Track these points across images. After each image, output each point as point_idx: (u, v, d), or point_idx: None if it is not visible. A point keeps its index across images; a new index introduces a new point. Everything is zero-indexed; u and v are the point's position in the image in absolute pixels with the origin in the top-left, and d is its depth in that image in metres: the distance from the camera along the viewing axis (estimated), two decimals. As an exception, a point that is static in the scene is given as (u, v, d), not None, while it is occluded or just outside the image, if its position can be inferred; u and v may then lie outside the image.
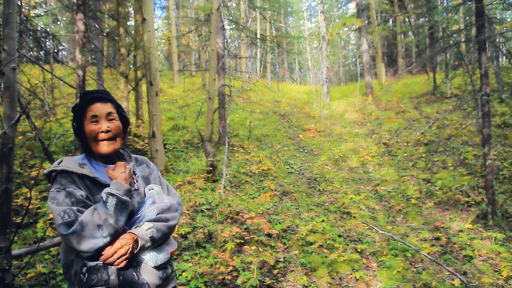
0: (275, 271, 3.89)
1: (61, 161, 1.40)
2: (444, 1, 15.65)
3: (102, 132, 1.42)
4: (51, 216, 4.33)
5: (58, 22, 20.49)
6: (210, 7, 9.30)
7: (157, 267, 1.40)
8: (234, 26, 16.69)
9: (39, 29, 8.50)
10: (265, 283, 3.65)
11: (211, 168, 6.39)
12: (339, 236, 4.76)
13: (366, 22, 15.36)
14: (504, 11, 14.25)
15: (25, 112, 3.14)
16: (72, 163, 1.40)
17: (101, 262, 1.28)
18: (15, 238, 3.97)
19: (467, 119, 8.99)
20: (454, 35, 8.53)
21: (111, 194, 1.31)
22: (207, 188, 5.96)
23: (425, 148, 8.15)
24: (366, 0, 17.10)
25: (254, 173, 7.05)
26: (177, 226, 1.60)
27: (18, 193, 4.82)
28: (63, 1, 10.60)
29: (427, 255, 3.95)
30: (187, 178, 6.06)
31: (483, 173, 5.88)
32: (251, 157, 7.78)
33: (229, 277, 3.65)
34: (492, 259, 4.11)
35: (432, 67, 13.04)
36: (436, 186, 6.31)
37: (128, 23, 12.88)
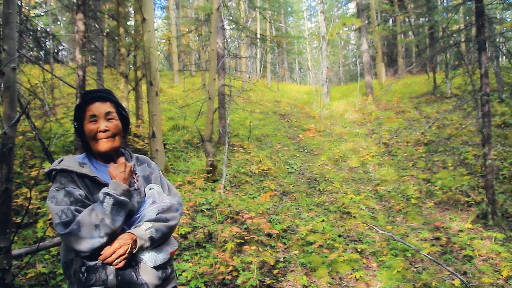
0: (275, 271, 3.89)
1: (62, 160, 1.41)
2: (444, 1, 15.65)
3: (100, 131, 1.42)
4: (51, 216, 4.33)
5: (58, 22, 20.49)
6: (210, 7, 9.31)
7: (156, 267, 1.39)
8: (234, 26, 16.69)
9: (39, 29, 8.50)
10: (265, 283, 3.65)
11: (211, 168, 6.39)
12: (339, 236, 4.76)
13: (366, 22, 15.36)
14: (504, 11, 14.25)
15: (25, 112, 3.14)
16: (72, 162, 1.40)
17: (100, 262, 1.28)
18: (15, 238, 3.97)
19: (467, 119, 8.99)
20: (454, 35, 8.53)
21: (108, 194, 1.31)
22: (207, 188, 5.96)
23: (425, 148, 8.15)
24: (366, 0, 17.10)
25: (254, 173, 7.05)
26: (177, 226, 1.59)
27: (18, 193, 4.82)
28: (63, 1, 10.60)
29: (427, 255, 3.95)
30: (187, 178, 6.06)
31: (483, 173, 5.88)
32: (251, 157, 7.78)
33: (229, 277, 3.65)
34: (492, 259, 4.11)
35: (432, 67, 13.04)
36: (436, 186, 6.31)
37: (128, 23, 12.88)
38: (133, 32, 9.17)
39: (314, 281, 3.76)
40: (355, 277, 3.82)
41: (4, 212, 2.52)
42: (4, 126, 2.52)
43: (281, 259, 4.14)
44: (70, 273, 1.35)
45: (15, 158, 2.99)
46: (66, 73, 9.33)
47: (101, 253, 1.27)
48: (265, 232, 4.64)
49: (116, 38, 8.72)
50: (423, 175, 6.86)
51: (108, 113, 1.45)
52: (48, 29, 14.79)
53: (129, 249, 1.30)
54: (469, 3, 9.65)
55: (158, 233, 1.39)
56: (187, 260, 3.98)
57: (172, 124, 9.34)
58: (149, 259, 1.38)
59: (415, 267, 4.06)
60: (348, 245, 4.56)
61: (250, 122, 9.69)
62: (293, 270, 3.98)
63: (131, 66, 9.52)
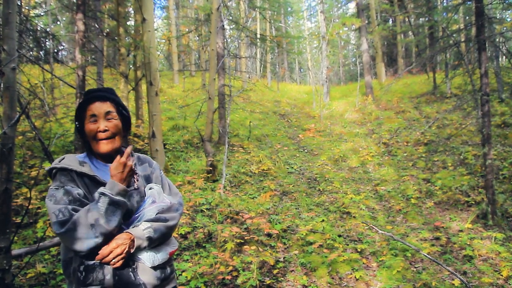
0: (275, 271, 3.89)
1: (63, 159, 1.42)
2: (444, 1, 15.65)
3: (100, 131, 1.42)
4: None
5: (58, 22, 20.49)
6: (210, 7, 9.30)
7: (155, 267, 1.39)
8: (234, 26, 16.69)
9: (39, 29, 8.50)
10: (265, 283, 3.65)
11: (211, 168, 6.39)
12: (339, 236, 4.76)
13: (366, 22, 15.36)
14: (504, 11, 14.25)
15: (25, 112, 3.14)
16: (73, 161, 1.41)
17: (98, 261, 1.28)
18: (15, 238, 3.97)
19: (467, 119, 8.98)
20: (454, 35, 8.53)
21: (103, 194, 1.30)
22: (207, 188, 5.96)
23: (425, 148, 8.15)
24: (366, 0, 17.10)
25: (254, 173, 7.05)
26: (177, 226, 1.58)
27: (18, 193, 4.82)
28: (63, 1, 10.60)
29: (427, 255, 3.95)
30: (187, 178, 6.06)
31: (483, 173, 5.88)
32: (251, 157, 7.78)
33: (229, 277, 3.65)
34: (492, 259, 4.11)
35: (432, 67, 13.04)
36: (436, 186, 6.31)
37: (128, 23, 12.88)
38: (133, 32, 9.17)
39: (314, 281, 3.76)
40: (355, 277, 3.82)
41: (4, 212, 2.52)
42: (4, 126, 2.52)
43: (281, 259, 4.14)
44: (70, 272, 1.35)
45: (15, 158, 2.99)
46: (66, 73, 9.32)
47: (99, 252, 1.27)
48: (265, 232, 4.64)
49: (116, 38, 8.72)
50: (423, 175, 6.86)
51: (108, 113, 1.45)
52: (48, 29, 14.79)
53: (126, 249, 1.30)
54: (469, 3, 9.66)
55: (156, 233, 1.38)
56: (187, 260, 3.98)
57: (172, 124, 9.34)
58: (147, 259, 1.37)
59: (415, 267, 4.06)
60: (348, 245, 4.56)
61: (250, 122, 9.69)
62: (293, 270, 3.99)
63: (131, 66, 9.52)
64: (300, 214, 5.52)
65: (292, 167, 7.73)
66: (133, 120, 8.69)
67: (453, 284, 3.58)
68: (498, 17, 12.30)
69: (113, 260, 1.27)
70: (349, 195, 6.18)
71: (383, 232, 4.70)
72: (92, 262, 1.29)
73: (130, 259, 1.34)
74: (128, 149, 1.42)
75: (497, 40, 6.70)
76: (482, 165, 6.00)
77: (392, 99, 12.63)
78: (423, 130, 9.02)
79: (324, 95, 14.84)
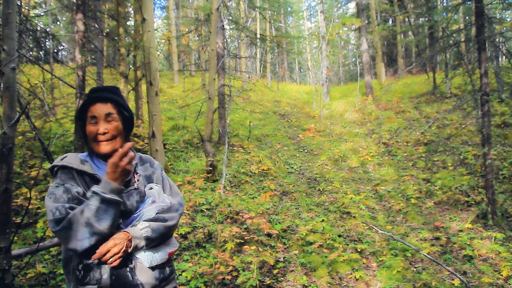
0: (275, 271, 3.89)
1: (65, 157, 1.42)
2: (444, 1, 15.66)
3: (99, 134, 1.43)
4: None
5: (58, 22, 20.49)
6: (210, 7, 9.30)
7: (153, 268, 1.39)
8: (234, 26, 16.68)
9: (39, 29, 8.50)
10: (265, 283, 3.65)
11: (211, 168, 6.39)
12: (339, 236, 4.76)
13: (366, 22, 15.36)
14: (504, 11, 14.25)
15: (25, 112, 3.14)
16: (74, 159, 1.42)
17: (96, 260, 1.28)
18: (15, 238, 3.97)
19: (467, 119, 8.99)
20: (454, 35, 8.53)
21: (95, 193, 1.29)
22: (207, 188, 5.96)
23: (425, 148, 8.15)
24: (366, 0, 17.10)
25: (254, 173, 7.05)
26: (177, 226, 1.58)
27: (18, 193, 4.82)
28: (62, 1, 10.60)
29: (427, 255, 3.96)
30: (187, 178, 6.06)
31: (483, 173, 5.88)
32: (251, 157, 7.78)
33: (229, 277, 3.65)
34: (492, 259, 4.11)
35: (432, 67, 13.04)
36: (436, 186, 6.31)
37: (128, 23, 12.88)
38: (133, 32, 9.16)
39: (314, 281, 3.76)
40: (355, 277, 3.82)
41: (4, 212, 2.52)
42: (4, 126, 2.52)
43: (281, 259, 4.14)
44: (69, 270, 1.36)
45: (15, 158, 2.99)
46: (66, 73, 9.32)
47: (96, 251, 1.27)
48: (265, 232, 4.64)
49: (116, 38, 8.72)
50: (423, 175, 6.86)
51: (108, 115, 1.45)
52: (48, 29, 14.79)
53: (124, 248, 1.29)
54: (469, 3, 9.66)
55: (154, 232, 1.38)
56: (187, 260, 3.98)
57: (172, 124, 9.34)
58: (145, 259, 1.37)
59: (415, 267, 4.06)
60: (348, 245, 4.56)
61: (250, 122, 9.69)
62: (293, 270, 3.99)
63: (131, 66, 9.52)
64: (300, 214, 5.52)
65: (292, 167, 7.73)
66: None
67: (453, 284, 3.58)
68: (498, 17, 12.30)
69: (110, 259, 1.27)
70: (349, 195, 6.18)
71: (383, 232, 4.70)
72: (90, 261, 1.29)
73: (128, 258, 1.34)
74: (121, 150, 1.35)
75: (497, 40, 6.70)
76: (482, 165, 6.00)
77: (392, 99, 12.63)
78: (423, 130, 9.02)
79: (324, 95, 14.84)
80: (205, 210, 5.14)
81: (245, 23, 13.14)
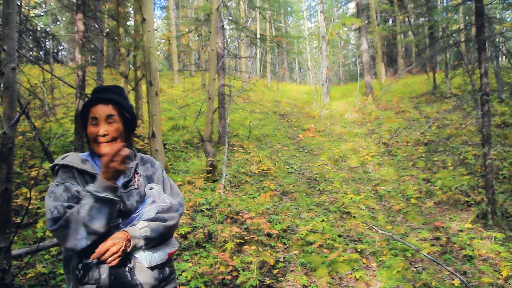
0: (275, 271, 3.89)
1: (66, 156, 1.43)
2: (444, 1, 15.66)
3: (99, 135, 1.43)
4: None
5: (58, 22, 20.49)
6: (210, 7, 9.30)
7: (152, 268, 1.39)
8: (234, 26, 16.68)
9: (39, 29, 8.50)
10: (265, 283, 3.65)
11: (211, 168, 6.39)
12: (339, 236, 4.76)
13: (366, 22, 15.36)
14: (504, 11, 14.25)
15: (25, 112, 3.14)
16: (75, 158, 1.43)
17: (95, 260, 1.28)
18: (15, 238, 3.97)
19: (467, 119, 8.99)
20: (454, 35, 8.53)
21: (89, 192, 1.29)
22: (207, 188, 5.96)
23: (425, 148, 8.15)
24: (366, 0, 17.09)
25: (254, 173, 7.05)
26: (177, 226, 1.58)
27: (18, 193, 4.82)
28: (63, 1, 10.60)
29: (427, 255, 3.95)
30: (187, 178, 6.06)
31: (483, 173, 5.88)
32: (251, 157, 7.78)
33: (229, 277, 3.65)
34: (492, 259, 4.11)
35: (432, 67, 13.04)
36: (436, 186, 6.31)
37: (128, 23, 12.87)
38: (133, 32, 9.16)
39: (314, 281, 3.76)
40: (355, 277, 3.82)
41: (4, 212, 2.52)
42: (4, 126, 2.52)
43: (281, 259, 4.14)
44: (69, 269, 1.36)
45: (15, 158, 2.99)
46: (66, 73, 9.32)
47: (95, 250, 1.27)
48: (265, 232, 4.64)
49: (116, 38, 8.72)
50: (423, 175, 6.86)
51: (109, 117, 1.45)
52: (48, 29, 14.79)
53: (122, 247, 1.29)
54: (469, 3, 9.66)
55: (153, 232, 1.38)
56: (187, 260, 3.98)
57: (172, 124, 9.34)
58: (144, 258, 1.37)
59: (415, 267, 4.06)
60: (348, 245, 4.56)
61: (250, 122, 9.69)
62: (293, 270, 3.99)
63: (131, 66, 9.52)
64: (300, 214, 5.52)
65: (292, 167, 7.73)
66: (133, 120, 8.67)
67: (453, 284, 3.58)
68: (498, 17, 12.30)
69: (109, 259, 1.27)
70: (349, 195, 6.18)
71: (383, 232, 4.70)
72: (90, 260, 1.29)
73: (127, 258, 1.34)
74: (111, 151, 1.31)
75: (497, 40, 6.70)
76: (482, 165, 6.00)
77: (392, 99, 12.63)
78: (423, 130, 9.02)
79: (324, 95, 14.84)
80: (205, 210, 5.14)
81: (245, 23, 13.14)
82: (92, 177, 1.40)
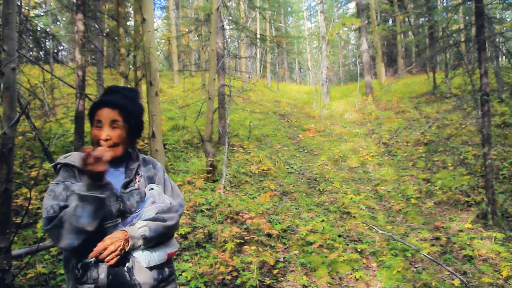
0: (275, 271, 3.89)
1: (69, 155, 1.45)
2: (444, 1, 15.66)
3: (101, 139, 1.43)
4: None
5: (58, 22, 20.49)
6: (210, 7, 9.30)
7: (151, 268, 1.39)
8: (234, 26, 16.67)
9: (39, 29, 8.49)
10: (265, 283, 3.65)
11: (211, 168, 6.39)
12: (339, 236, 4.76)
13: (366, 22, 15.36)
14: (504, 11, 14.25)
15: (25, 112, 3.14)
16: (77, 158, 1.43)
17: (94, 259, 1.28)
18: (15, 238, 3.97)
19: (467, 119, 8.98)
20: (454, 35, 8.53)
21: (72, 191, 1.28)
22: (207, 188, 5.96)
23: (425, 148, 8.15)
24: (366, 0, 17.09)
25: (254, 173, 7.05)
26: (176, 226, 1.58)
27: (18, 193, 4.82)
28: (62, 1, 10.60)
29: (427, 255, 3.95)
30: (187, 178, 6.06)
31: (483, 173, 5.88)
32: (251, 157, 7.78)
33: (229, 277, 3.65)
34: (492, 259, 4.11)
35: (432, 67, 13.04)
36: (436, 186, 6.31)
37: (128, 23, 12.88)
38: (133, 32, 9.16)
39: (314, 281, 3.76)
40: (355, 277, 3.82)
41: (4, 212, 2.52)
42: (4, 126, 2.52)
43: (281, 259, 4.14)
44: (69, 268, 1.36)
45: (15, 158, 2.99)
46: (66, 73, 9.31)
47: (93, 250, 1.26)
48: (265, 232, 4.64)
49: (116, 38, 8.72)
50: (423, 175, 6.86)
51: (113, 121, 1.44)
52: (48, 29, 14.79)
53: (121, 246, 1.29)
54: (469, 3, 9.66)
55: (152, 232, 1.38)
56: (187, 260, 3.98)
57: (172, 124, 9.33)
58: (143, 258, 1.37)
59: (415, 267, 4.06)
60: (348, 245, 4.56)
61: (250, 122, 9.69)
62: (293, 270, 3.99)
63: (131, 66, 9.52)
64: (300, 214, 5.52)
65: (292, 167, 7.73)
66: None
67: (453, 284, 3.58)
68: (498, 17, 12.29)
69: (107, 258, 1.27)
70: (349, 195, 6.18)
71: (383, 232, 4.70)
72: (88, 260, 1.30)
73: (125, 258, 1.34)
74: (83, 154, 1.25)
75: (497, 40, 6.70)
76: (482, 165, 6.00)
77: (392, 99, 12.63)
78: (423, 130, 9.02)
79: (324, 95, 14.84)
80: (205, 210, 5.14)
81: (245, 23, 13.14)
82: None
